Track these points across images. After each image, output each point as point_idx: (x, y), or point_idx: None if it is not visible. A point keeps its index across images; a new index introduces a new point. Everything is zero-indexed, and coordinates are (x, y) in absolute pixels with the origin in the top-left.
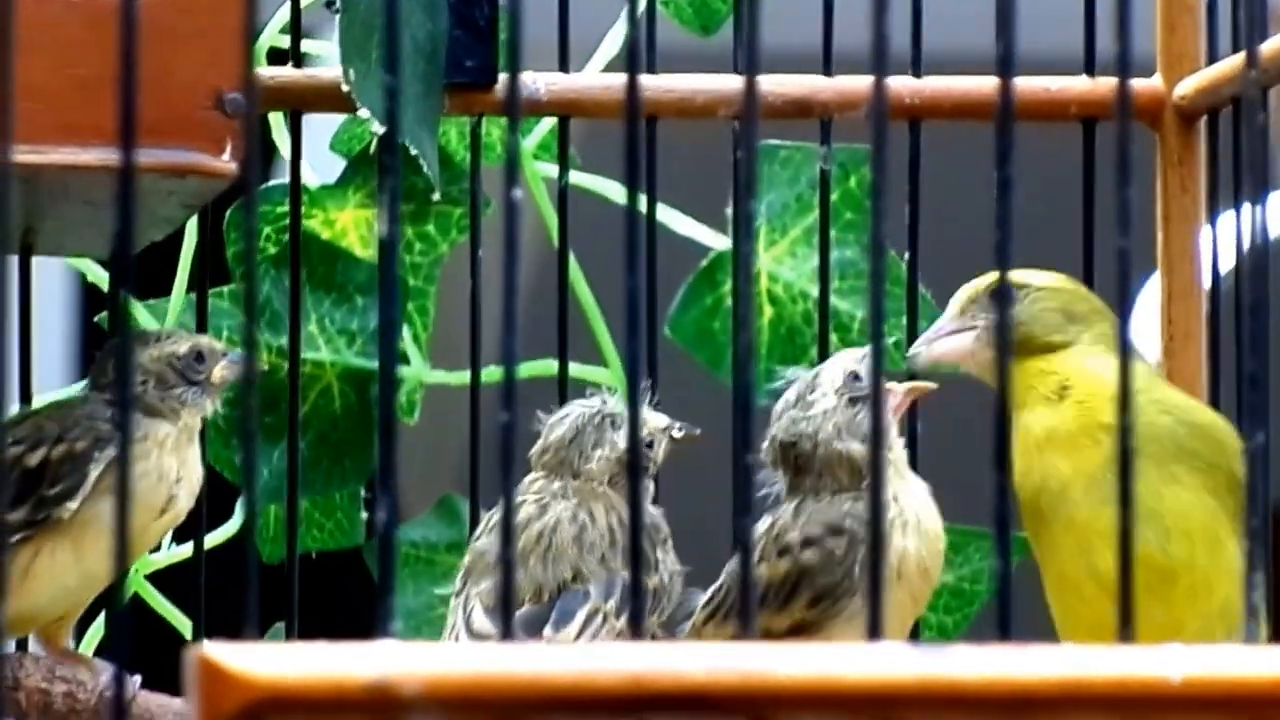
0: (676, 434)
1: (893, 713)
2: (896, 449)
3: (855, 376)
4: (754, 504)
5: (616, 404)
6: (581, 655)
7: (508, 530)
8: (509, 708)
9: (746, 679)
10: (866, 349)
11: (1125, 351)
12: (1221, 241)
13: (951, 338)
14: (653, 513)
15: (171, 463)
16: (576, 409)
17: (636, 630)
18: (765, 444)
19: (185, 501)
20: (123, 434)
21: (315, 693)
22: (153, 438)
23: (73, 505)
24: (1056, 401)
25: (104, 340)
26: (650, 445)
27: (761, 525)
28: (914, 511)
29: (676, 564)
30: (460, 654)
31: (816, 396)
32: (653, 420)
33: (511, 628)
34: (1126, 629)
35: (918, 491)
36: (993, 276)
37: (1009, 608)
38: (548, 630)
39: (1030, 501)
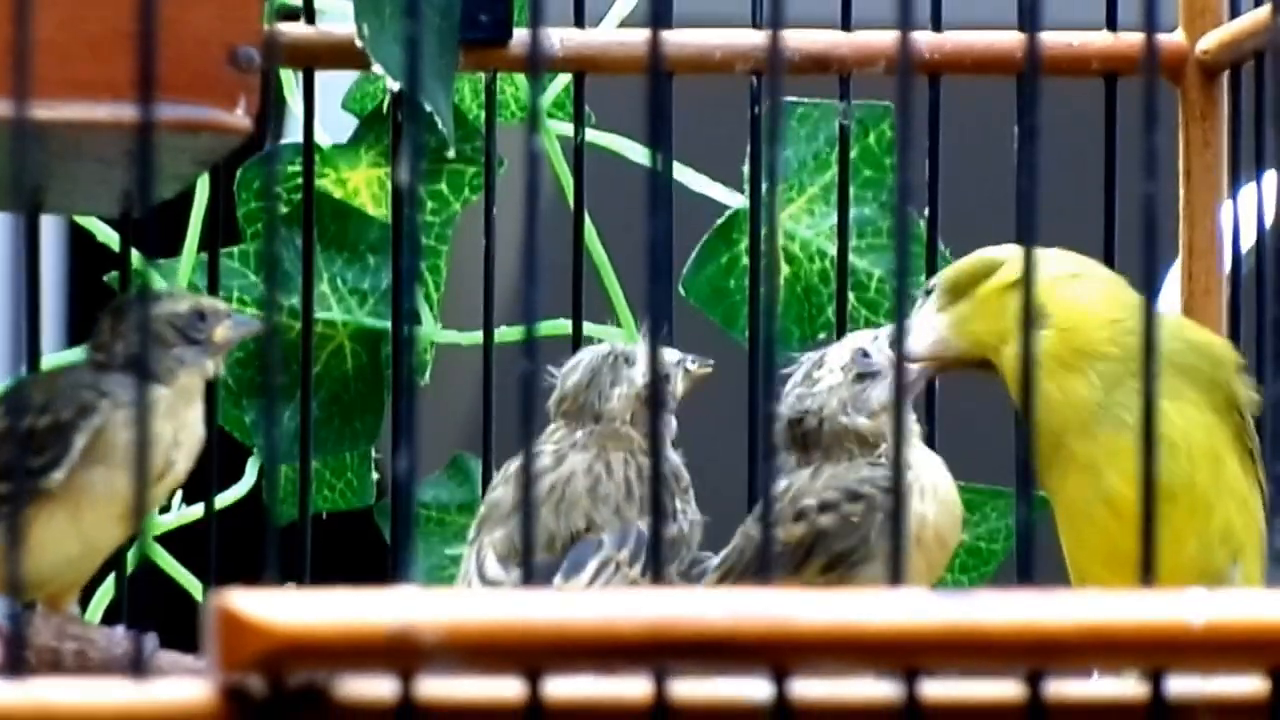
0: (690, 366)
1: (915, 659)
2: (908, 421)
3: (864, 354)
4: (775, 450)
5: (627, 346)
6: (602, 603)
7: (528, 478)
8: (530, 655)
9: (768, 626)
10: (878, 331)
11: (1151, 282)
12: (1244, 205)
13: (920, 336)
14: (673, 460)
15: (166, 428)
16: (588, 354)
17: (658, 577)
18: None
19: (183, 465)
20: (140, 397)
21: (335, 640)
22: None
23: (58, 475)
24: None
25: (100, 300)
26: (666, 378)
27: (778, 487)
28: (931, 479)
29: (697, 513)
30: (481, 601)
31: (823, 374)
32: (665, 355)
33: (532, 573)
34: (1148, 572)
35: (932, 462)
36: (947, 271)
37: (1030, 554)
38: (558, 579)
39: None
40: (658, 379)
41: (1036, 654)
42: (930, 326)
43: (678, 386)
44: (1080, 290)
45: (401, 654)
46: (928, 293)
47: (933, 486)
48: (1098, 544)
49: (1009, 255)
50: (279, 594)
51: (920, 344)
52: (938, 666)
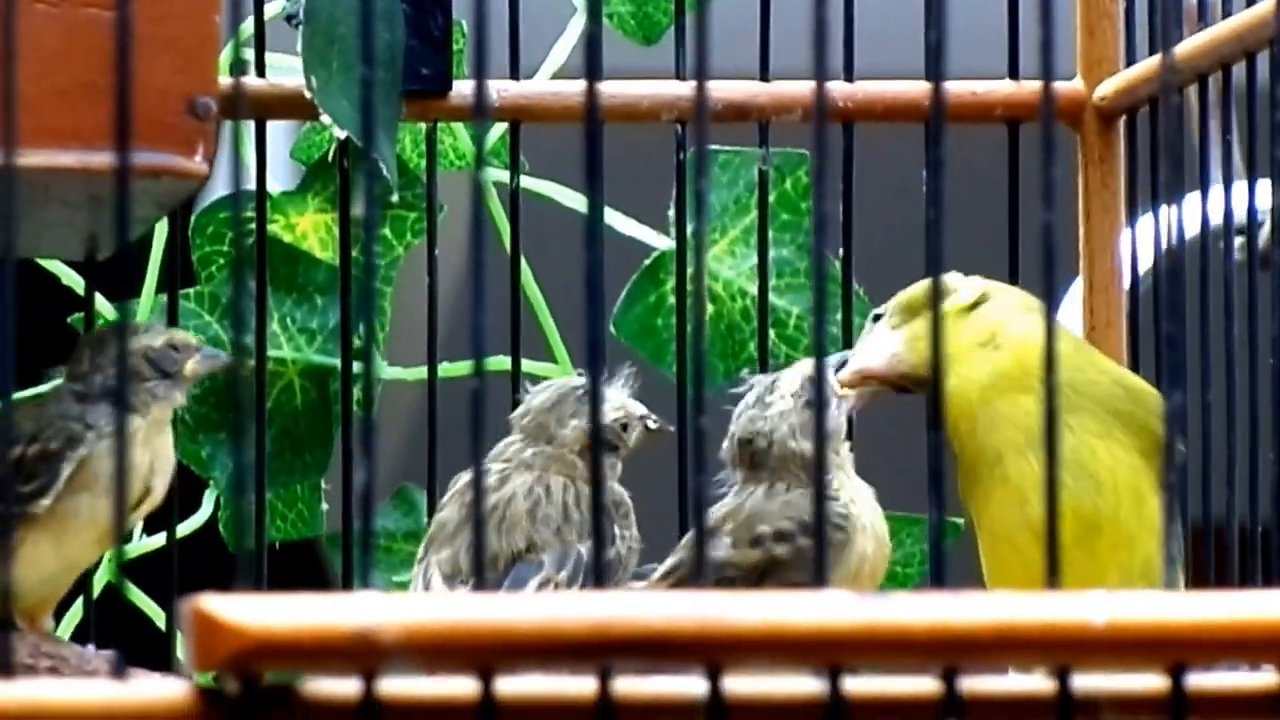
0: (652, 425)
1: (838, 656)
2: (843, 451)
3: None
4: (706, 463)
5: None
6: (549, 605)
7: (478, 490)
8: (482, 654)
9: (701, 626)
10: (832, 358)
11: (1050, 316)
12: (1140, 238)
13: (865, 353)
14: (616, 490)
15: (144, 455)
16: (560, 381)
17: (601, 584)
18: (725, 442)
19: (160, 489)
20: (119, 427)
21: (302, 641)
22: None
23: (45, 502)
24: (991, 350)
25: (57, 339)
26: (625, 428)
27: (728, 504)
28: (868, 517)
29: (636, 539)
30: (437, 604)
31: (774, 398)
32: (630, 406)
33: (484, 581)
34: (1054, 576)
35: (865, 495)
36: (902, 293)
37: (942, 560)
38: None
39: (969, 452)
40: (597, 405)
41: (949, 651)
42: (885, 343)
43: (633, 437)
44: (1032, 323)
45: (363, 654)
46: (875, 318)
47: (871, 524)
48: (1019, 569)
49: (962, 282)
50: (250, 599)
51: (874, 360)
52: (859, 663)
